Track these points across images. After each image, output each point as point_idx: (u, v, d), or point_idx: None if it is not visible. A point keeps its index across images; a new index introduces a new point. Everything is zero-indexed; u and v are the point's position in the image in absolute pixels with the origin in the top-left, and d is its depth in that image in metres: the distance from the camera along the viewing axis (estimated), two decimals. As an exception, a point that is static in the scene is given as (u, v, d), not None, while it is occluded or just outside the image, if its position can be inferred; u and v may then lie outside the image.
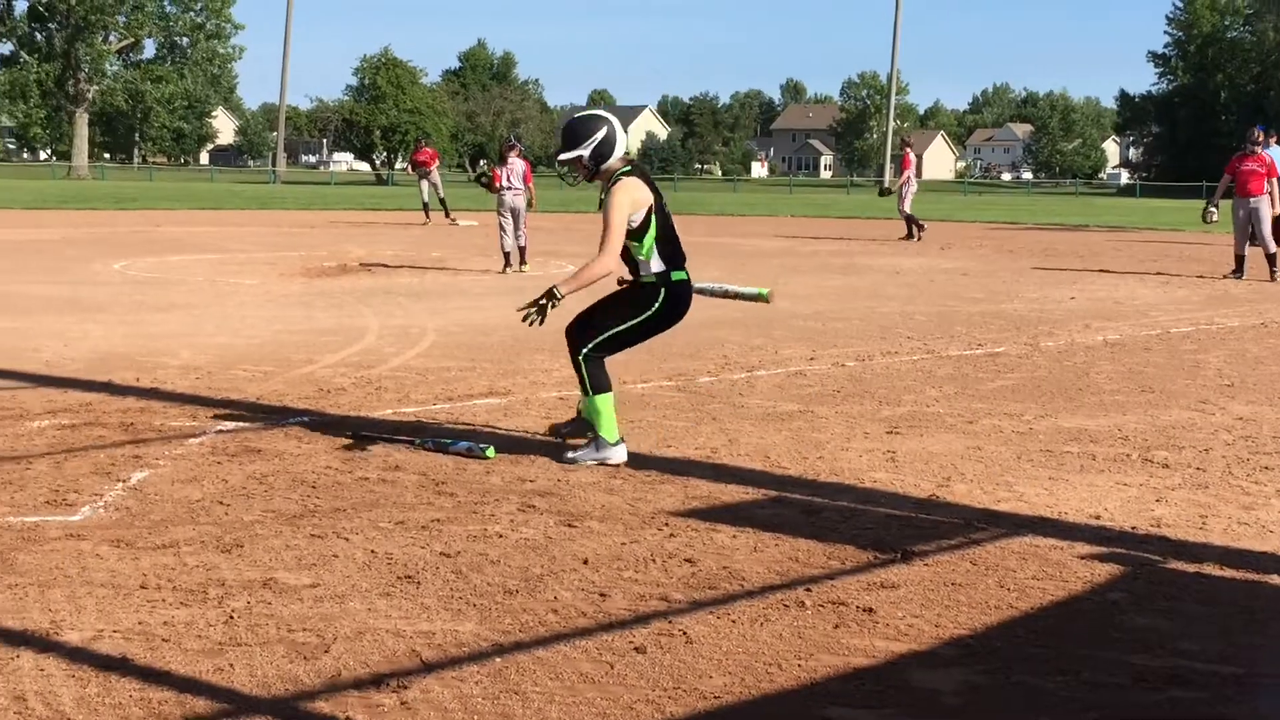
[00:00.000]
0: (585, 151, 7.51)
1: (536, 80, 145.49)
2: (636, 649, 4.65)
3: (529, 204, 21.22)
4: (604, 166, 7.55)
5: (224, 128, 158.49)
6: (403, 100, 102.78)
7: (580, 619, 4.95)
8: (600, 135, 7.52)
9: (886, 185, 32.84)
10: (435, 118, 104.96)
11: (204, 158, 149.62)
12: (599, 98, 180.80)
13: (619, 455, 7.51)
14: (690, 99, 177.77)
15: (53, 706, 4.07)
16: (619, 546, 5.90)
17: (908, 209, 30.57)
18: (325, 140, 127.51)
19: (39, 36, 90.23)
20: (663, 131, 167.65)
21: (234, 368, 10.60)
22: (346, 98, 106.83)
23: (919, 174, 31.17)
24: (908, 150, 31.78)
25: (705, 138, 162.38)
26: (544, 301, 7.34)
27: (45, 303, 15.17)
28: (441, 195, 35.89)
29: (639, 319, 7.56)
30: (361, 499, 6.64)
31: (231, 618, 4.87)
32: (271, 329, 13.17)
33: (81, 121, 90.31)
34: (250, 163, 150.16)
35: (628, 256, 7.58)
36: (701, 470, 7.42)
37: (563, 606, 5.08)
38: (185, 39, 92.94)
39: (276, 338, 12.50)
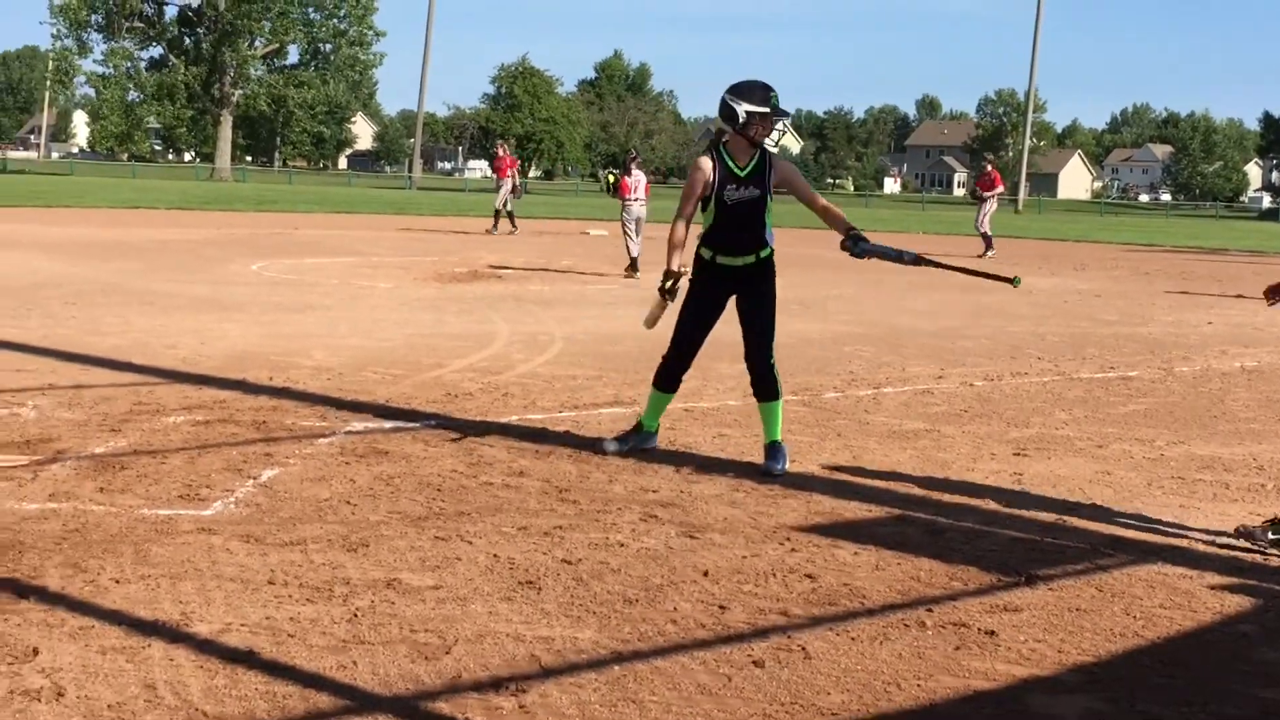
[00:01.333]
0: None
1: (671, 92, 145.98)
2: (755, 663, 4.64)
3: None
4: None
5: (363, 133, 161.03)
6: (538, 109, 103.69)
7: (699, 630, 4.95)
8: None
9: (974, 190, 32.35)
10: (570, 127, 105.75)
11: (342, 162, 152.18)
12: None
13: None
14: (824, 113, 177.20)
15: (181, 696, 4.16)
16: (740, 560, 5.89)
17: (985, 227, 30.40)
18: (461, 147, 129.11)
19: (187, 41, 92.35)
20: (795, 145, 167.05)
21: (365, 370, 10.76)
22: (483, 106, 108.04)
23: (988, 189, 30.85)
24: (992, 169, 31.77)
25: (838, 152, 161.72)
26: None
27: (185, 301, 15.51)
28: (510, 208, 33.86)
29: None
30: (485, 503, 6.70)
31: (356, 616, 4.95)
32: (403, 332, 13.34)
33: (225, 124, 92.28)
34: (387, 168, 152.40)
35: (759, 224, 7.72)
36: (824, 486, 7.38)
37: (682, 617, 5.09)
38: (328, 45, 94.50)
39: (408, 341, 12.67)
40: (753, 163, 7.59)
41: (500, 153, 35.50)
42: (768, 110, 7.52)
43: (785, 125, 7.75)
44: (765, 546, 6.13)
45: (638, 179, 22.20)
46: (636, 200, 22.05)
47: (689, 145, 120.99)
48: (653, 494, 7.04)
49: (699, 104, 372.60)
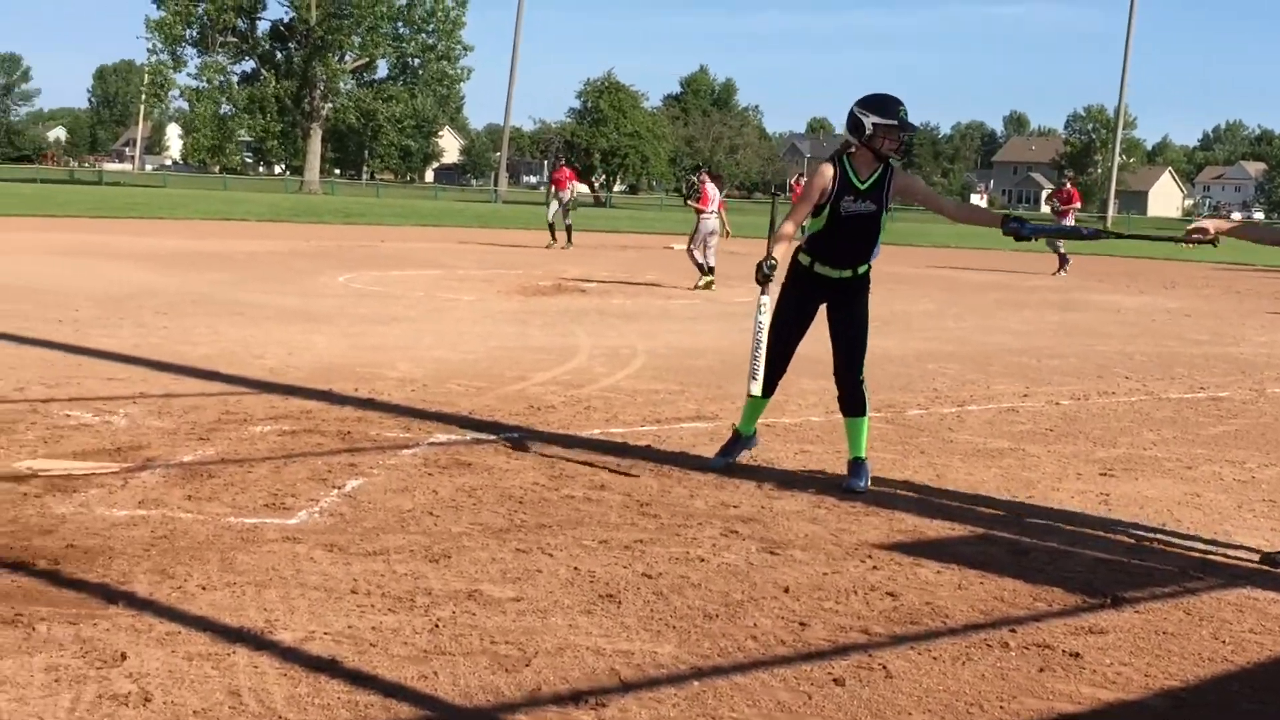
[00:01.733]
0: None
1: (756, 107, 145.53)
2: (835, 680, 4.61)
3: (724, 230, 23.14)
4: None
5: (449, 147, 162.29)
6: (623, 124, 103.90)
7: (779, 647, 4.94)
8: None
9: (1054, 207, 31.82)
10: (655, 141, 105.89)
11: (429, 175, 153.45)
12: (818, 126, 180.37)
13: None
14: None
15: (265, 704, 4.21)
16: (820, 576, 5.87)
17: (1060, 245, 29.97)
18: (546, 161, 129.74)
19: (279, 55, 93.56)
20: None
21: (449, 382, 10.83)
22: (569, 120, 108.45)
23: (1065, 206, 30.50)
24: (1071, 185, 31.49)
25: (924, 168, 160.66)
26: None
27: (273, 312, 15.70)
28: (568, 221, 32.94)
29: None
30: (567, 516, 6.72)
31: (437, 626, 4.98)
32: (486, 345, 13.42)
33: (315, 137, 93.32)
34: (473, 181, 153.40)
35: (873, 239, 7.74)
36: (907, 504, 7.34)
37: (762, 634, 5.07)
38: (416, 60, 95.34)
39: (491, 354, 12.74)
40: (874, 177, 7.57)
41: (560, 165, 35.21)
42: (895, 124, 7.48)
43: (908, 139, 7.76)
44: (847, 564, 6.10)
45: (711, 193, 22.88)
46: (713, 213, 22.57)
47: (773, 160, 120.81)
48: (734, 509, 7.03)
49: (784, 119, 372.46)
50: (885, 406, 10.48)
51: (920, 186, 7.91)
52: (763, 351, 7.63)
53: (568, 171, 34.20)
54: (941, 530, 6.82)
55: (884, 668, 4.76)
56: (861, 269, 7.71)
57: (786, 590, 5.64)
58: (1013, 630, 5.25)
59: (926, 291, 23.50)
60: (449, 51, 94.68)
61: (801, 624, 5.21)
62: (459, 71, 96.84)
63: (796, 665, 4.75)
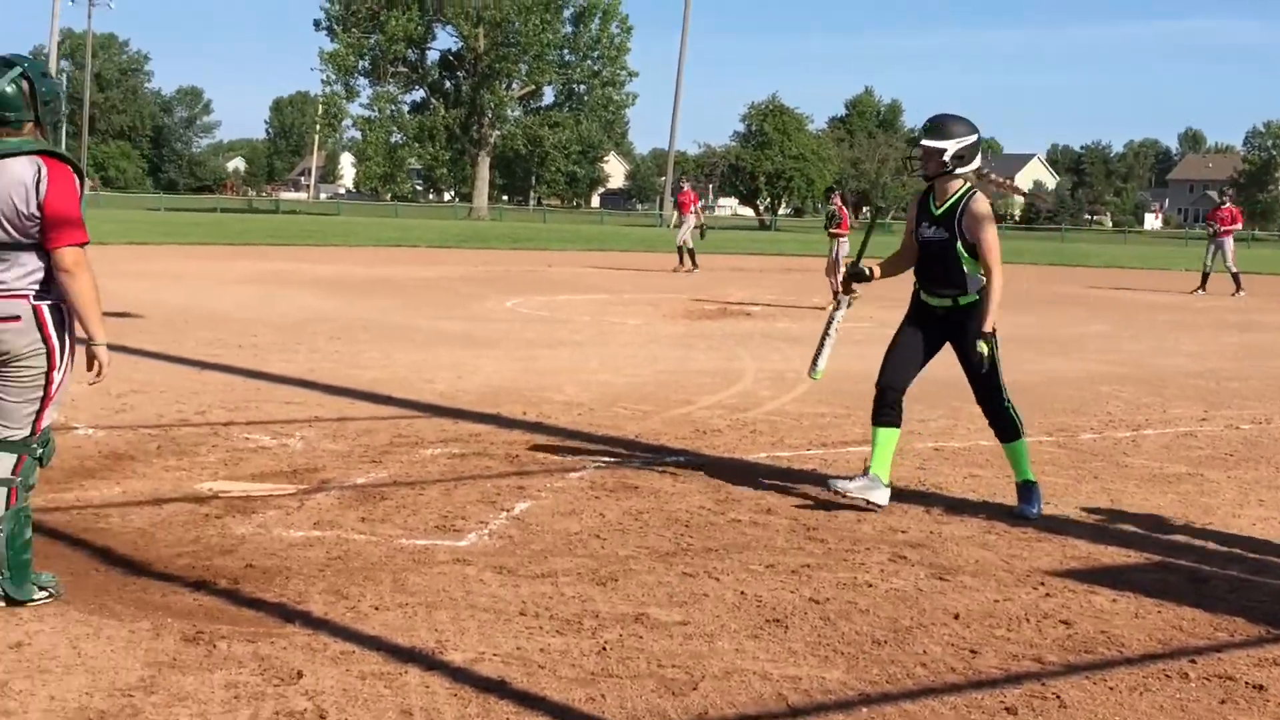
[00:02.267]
0: (952, 146, 7.41)
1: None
2: (1007, 709, 4.53)
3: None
4: (958, 171, 7.45)
5: (615, 172, 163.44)
6: (788, 146, 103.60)
7: (949, 674, 4.87)
8: (971, 140, 7.47)
9: (1213, 230, 30.15)
10: (819, 164, 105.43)
11: (595, 200, 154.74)
12: (985, 147, 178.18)
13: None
14: (1081, 147, 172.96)
15: (436, 722, 4.26)
16: (991, 603, 5.77)
17: (1233, 265, 28.69)
18: (711, 185, 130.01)
19: (448, 84, 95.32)
20: (1051, 180, 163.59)
21: (615, 405, 10.90)
22: (733, 143, 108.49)
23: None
24: (1231, 204, 30.09)
25: (1096, 187, 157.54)
26: (993, 348, 7.30)
27: (442, 337, 15.96)
28: (691, 245, 32.30)
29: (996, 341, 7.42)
30: (733, 540, 6.71)
31: (604, 649, 5.00)
32: (652, 369, 13.47)
33: (483, 165, 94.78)
34: (638, 206, 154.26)
35: (952, 267, 7.46)
36: (1080, 530, 7.18)
37: (932, 660, 5.00)
38: (582, 86, 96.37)
39: (656, 377, 12.79)
40: (948, 204, 7.45)
41: (684, 188, 34.20)
42: (915, 144, 7.46)
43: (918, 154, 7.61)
44: (1018, 590, 5.99)
45: (845, 216, 23.44)
46: (846, 237, 22.93)
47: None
48: (902, 534, 6.95)
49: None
50: (1057, 430, 10.29)
51: (978, 231, 7.35)
52: (827, 345, 7.99)
53: (692, 194, 33.30)
54: (1116, 557, 6.66)
55: (1057, 697, 4.67)
56: (963, 300, 7.45)
57: (956, 617, 5.56)
58: (1192, 661, 5.10)
59: (1097, 312, 23.03)
60: (614, 77, 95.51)
61: (972, 651, 5.13)
62: (624, 97, 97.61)
63: (967, 693, 4.68)
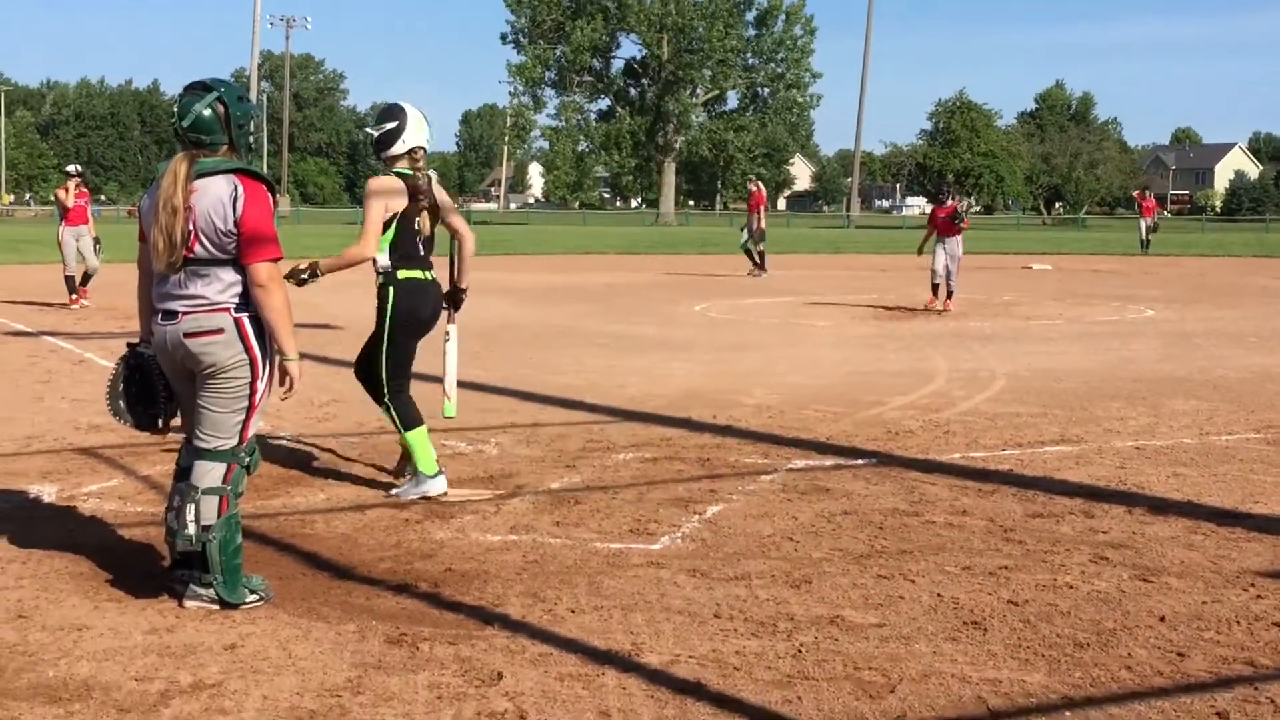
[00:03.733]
0: (374, 133, 7.57)
1: (1115, 120, 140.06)
2: (1218, 714, 4.41)
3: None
4: (385, 154, 7.54)
5: (801, 174, 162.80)
6: (976, 144, 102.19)
7: (1156, 678, 4.74)
8: (390, 126, 7.50)
9: None
10: (1009, 160, 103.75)
11: (780, 203, 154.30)
12: (1183, 136, 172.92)
13: (439, 486, 7.50)
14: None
15: (633, 723, 4.30)
16: (1199, 605, 5.61)
17: None
18: (898, 185, 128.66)
19: (633, 92, 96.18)
20: (1254, 170, 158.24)
21: (805, 408, 10.85)
22: (920, 142, 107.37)
23: None
24: None
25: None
26: (305, 274, 7.35)
27: (633, 342, 16.07)
28: (761, 247, 30.86)
29: (385, 328, 7.47)
30: (928, 542, 6.63)
31: (800, 651, 4.99)
32: (842, 370, 13.39)
33: (669, 170, 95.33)
34: (825, 208, 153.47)
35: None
36: (1292, 529, 6.94)
37: (1137, 664, 4.88)
38: (766, 89, 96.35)
39: (847, 379, 12.70)
40: None
41: (752, 189, 31.78)
42: None
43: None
44: (1227, 592, 5.81)
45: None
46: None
47: (1135, 174, 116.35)
48: (1103, 535, 6.80)
49: (1146, 131, 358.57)
50: (1265, 427, 9.96)
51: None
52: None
53: (760, 194, 31.21)
54: (1331, 557, 6.42)
55: (1271, 702, 4.52)
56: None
57: (1162, 619, 5.42)
58: None
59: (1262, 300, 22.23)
60: (798, 79, 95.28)
61: (1180, 654, 4.99)
62: (809, 99, 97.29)
63: (1175, 697, 4.56)
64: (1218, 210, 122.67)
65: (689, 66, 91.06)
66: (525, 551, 6.43)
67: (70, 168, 21.61)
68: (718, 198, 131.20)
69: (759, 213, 30.53)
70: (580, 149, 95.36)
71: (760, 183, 32.95)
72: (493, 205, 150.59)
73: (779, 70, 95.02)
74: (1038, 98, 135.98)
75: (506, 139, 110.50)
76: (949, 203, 21.46)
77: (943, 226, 20.68)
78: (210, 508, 5.44)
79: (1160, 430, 9.82)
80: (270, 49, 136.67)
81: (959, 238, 20.84)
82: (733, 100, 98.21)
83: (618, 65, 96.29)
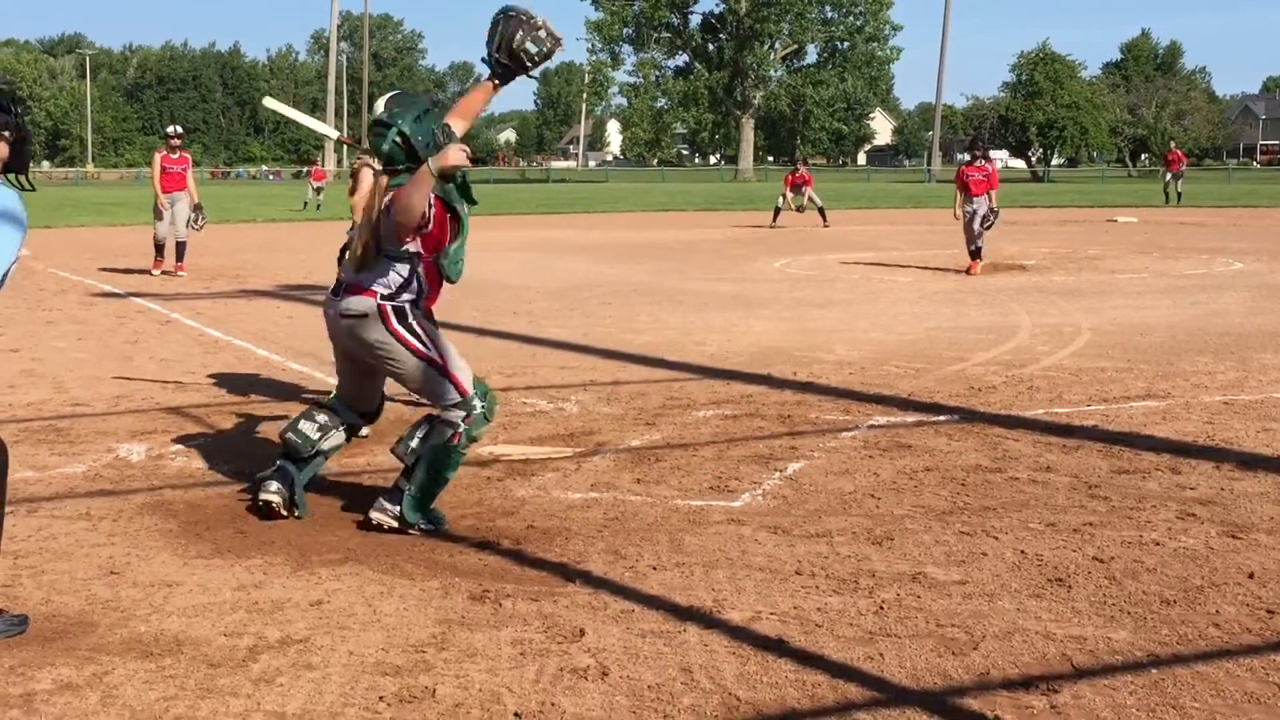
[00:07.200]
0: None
1: (1203, 69, 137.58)
2: (1308, 672, 4.34)
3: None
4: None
5: (881, 128, 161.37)
6: (1060, 95, 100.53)
7: (1245, 635, 4.68)
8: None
9: None
10: (1094, 112, 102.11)
11: (860, 158, 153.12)
12: (1274, 85, 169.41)
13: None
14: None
15: (716, 680, 4.31)
16: (1289, 562, 5.53)
17: None
18: (980, 138, 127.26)
19: (710, 48, 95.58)
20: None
21: (886, 364, 10.79)
22: (1002, 94, 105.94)
23: None
24: None
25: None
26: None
27: (711, 299, 16.04)
28: (819, 203, 32.63)
29: None
30: (1011, 499, 6.58)
31: (882, 608, 4.97)
32: (923, 326, 13.29)
33: (747, 126, 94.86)
34: (906, 162, 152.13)
35: None
36: (1386, 485, 6.81)
37: (1225, 621, 4.82)
38: (845, 43, 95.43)
39: (928, 334, 12.61)
40: None
41: (799, 170, 33.70)
42: None
43: None
44: (1318, 549, 5.72)
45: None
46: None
47: (1224, 125, 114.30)
48: (1190, 491, 6.71)
49: (1235, 81, 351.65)
50: (1357, 381, 9.77)
51: None
52: None
53: (802, 175, 33.18)
54: None
55: (1364, 660, 4.44)
56: None
57: (1251, 576, 5.34)
58: None
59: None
60: (877, 33, 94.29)
61: (1269, 611, 4.92)
62: (889, 52, 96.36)
63: (1266, 655, 4.49)
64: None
65: (766, 20, 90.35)
66: (606, 509, 6.45)
67: (170, 129, 20.17)
68: (796, 153, 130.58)
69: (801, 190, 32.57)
70: (658, 106, 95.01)
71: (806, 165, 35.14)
72: (571, 163, 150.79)
73: (858, 23, 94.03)
74: (1123, 47, 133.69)
75: (585, 96, 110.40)
76: (980, 162, 20.58)
77: (974, 185, 19.86)
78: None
79: (1249, 385, 9.67)
80: (349, 9, 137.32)
81: (984, 197, 19.77)
82: (811, 54, 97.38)
83: (695, 20, 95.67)
